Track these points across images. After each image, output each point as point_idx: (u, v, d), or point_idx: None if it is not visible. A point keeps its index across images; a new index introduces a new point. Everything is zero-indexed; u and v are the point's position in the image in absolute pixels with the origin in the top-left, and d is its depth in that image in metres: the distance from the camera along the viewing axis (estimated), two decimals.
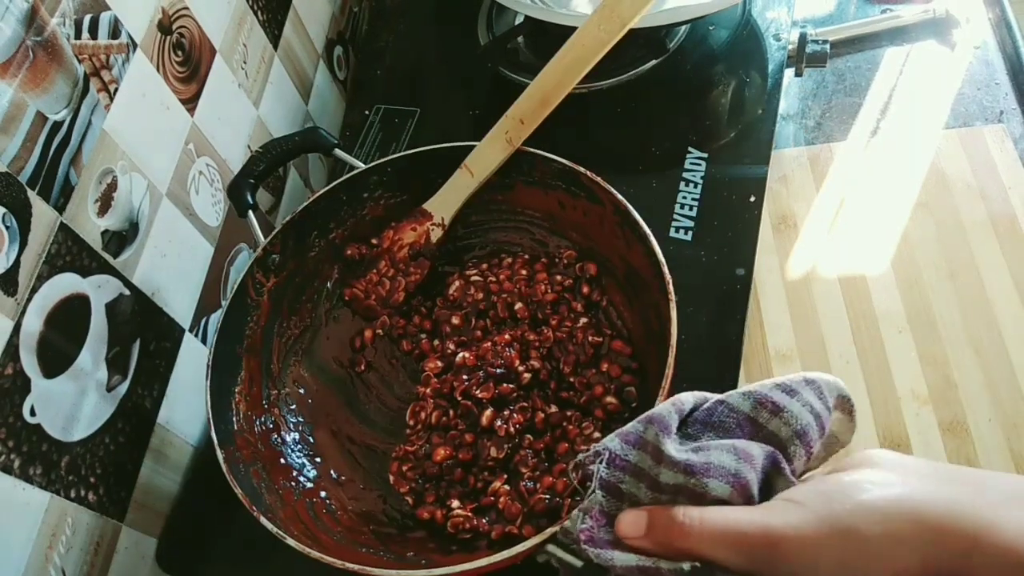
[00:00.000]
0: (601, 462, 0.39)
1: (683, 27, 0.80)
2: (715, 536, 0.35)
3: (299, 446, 0.59)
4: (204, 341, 0.66)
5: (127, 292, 0.57)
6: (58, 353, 0.50)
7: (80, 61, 0.52)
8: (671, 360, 0.47)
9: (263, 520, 0.47)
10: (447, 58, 0.86)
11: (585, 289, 0.60)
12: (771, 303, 0.70)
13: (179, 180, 0.63)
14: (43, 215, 0.49)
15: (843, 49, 0.85)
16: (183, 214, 0.63)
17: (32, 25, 0.48)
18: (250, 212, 0.62)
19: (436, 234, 0.63)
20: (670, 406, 0.39)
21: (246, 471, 0.52)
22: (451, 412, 0.57)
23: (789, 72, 0.78)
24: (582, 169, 0.58)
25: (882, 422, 0.63)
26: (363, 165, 0.63)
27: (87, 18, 0.53)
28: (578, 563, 0.41)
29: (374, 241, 0.65)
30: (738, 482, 0.36)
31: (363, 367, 0.63)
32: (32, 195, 0.48)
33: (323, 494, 0.56)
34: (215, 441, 0.51)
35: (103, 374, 0.54)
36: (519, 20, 0.82)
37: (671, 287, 0.50)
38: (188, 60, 0.64)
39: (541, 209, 0.63)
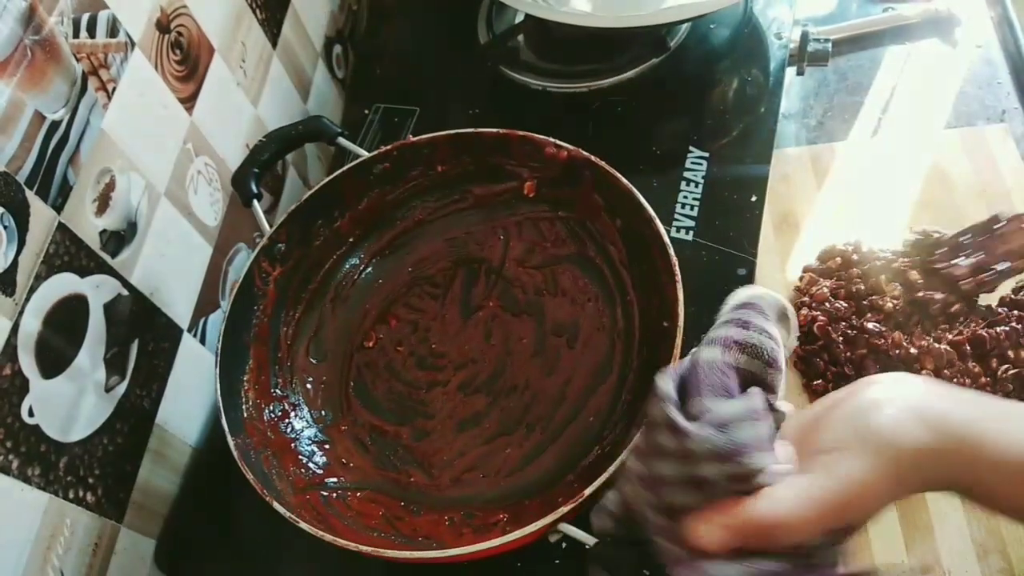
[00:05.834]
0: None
1: (684, 25, 0.79)
2: (804, 518, 0.33)
3: (309, 433, 0.59)
4: (203, 341, 0.66)
5: (125, 292, 0.57)
6: (56, 353, 0.50)
7: (78, 60, 0.52)
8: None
9: (275, 505, 0.48)
10: (447, 57, 0.86)
11: None
12: None
13: (177, 179, 0.62)
14: (41, 215, 0.49)
15: (845, 48, 0.85)
16: (181, 214, 0.63)
17: (30, 24, 0.48)
18: (254, 202, 0.62)
19: None
20: (662, 401, 0.36)
21: (257, 458, 0.53)
22: None
23: (791, 71, 0.77)
24: None
25: None
26: (367, 153, 0.64)
27: (85, 17, 0.52)
28: (590, 540, 0.41)
29: None
30: (766, 443, 0.35)
31: (373, 343, 0.64)
32: (30, 195, 0.48)
33: (332, 480, 0.56)
34: (226, 429, 0.52)
35: (101, 374, 0.54)
36: (519, 18, 0.81)
37: None
38: (187, 59, 0.63)
39: None
